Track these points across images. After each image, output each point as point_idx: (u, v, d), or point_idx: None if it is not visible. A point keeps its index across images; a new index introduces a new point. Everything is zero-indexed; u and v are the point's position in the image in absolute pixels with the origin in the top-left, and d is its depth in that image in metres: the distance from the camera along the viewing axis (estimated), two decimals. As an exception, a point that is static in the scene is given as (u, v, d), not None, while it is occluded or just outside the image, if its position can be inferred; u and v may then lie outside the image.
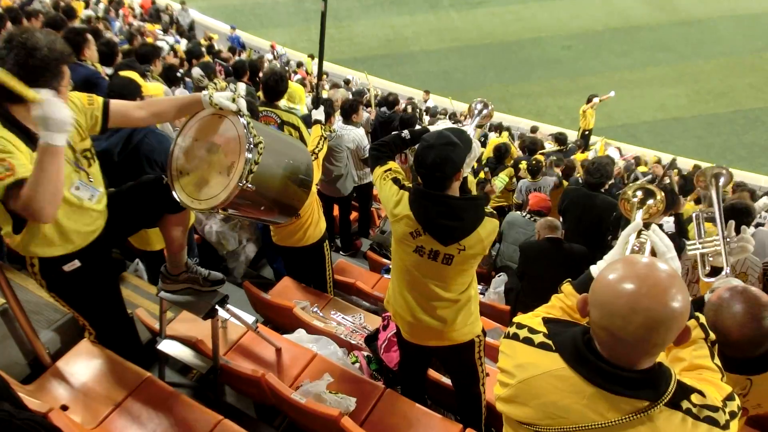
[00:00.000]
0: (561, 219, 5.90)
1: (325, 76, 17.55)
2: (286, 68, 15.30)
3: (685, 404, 1.42)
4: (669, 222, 5.43)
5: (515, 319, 1.75)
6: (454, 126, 2.90)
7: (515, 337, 1.67)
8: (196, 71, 7.77)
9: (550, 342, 1.57)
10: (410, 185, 2.78)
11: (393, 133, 3.15)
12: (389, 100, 9.33)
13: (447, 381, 3.56)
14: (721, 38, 23.11)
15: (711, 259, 2.75)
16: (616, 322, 1.36)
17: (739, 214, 3.96)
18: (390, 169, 2.90)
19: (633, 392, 1.41)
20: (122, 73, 4.22)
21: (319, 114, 4.41)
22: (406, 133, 3.12)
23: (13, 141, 2.23)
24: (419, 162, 2.61)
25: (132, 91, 3.86)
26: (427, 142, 2.61)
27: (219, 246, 5.16)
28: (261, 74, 7.93)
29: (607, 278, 1.41)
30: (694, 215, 2.95)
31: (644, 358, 1.41)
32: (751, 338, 2.23)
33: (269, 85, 4.91)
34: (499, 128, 15.44)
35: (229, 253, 5.23)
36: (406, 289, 2.93)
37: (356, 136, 6.38)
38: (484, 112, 3.57)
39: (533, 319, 1.71)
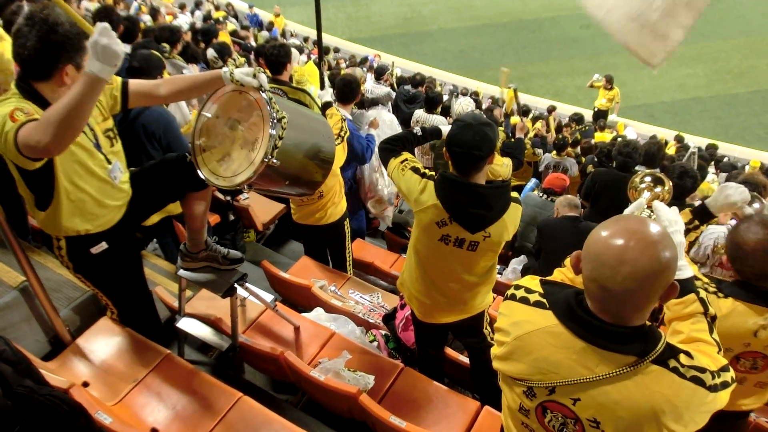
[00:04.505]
0: (588, 202, 5.87)
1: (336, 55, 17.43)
2: (304, 46, 15.20)
3: (672, 363, 1.46)
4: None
5: (515, 282, 1.80)
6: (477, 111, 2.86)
7: (512, 297, 1.72)
8: (210, 52, 7.72)
9: (544, 300, 1.63)
10: (433, 173, 2.74)
11: (404, 130, 3.11)
12: (416, 80, 10.15)
13: (464, 359, 3.56)
14: (741, 17, 22.57)
15: None
16: (605, 272, 1.40)
17: None
18: (406, 160, 2.86)
19: (621, 347, 1.46)
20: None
21: (327, 95, 4.33)
22: (417, 129, 3.12)
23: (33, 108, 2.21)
24: (455, 141, 2.55)
25: (154, 65, 3.87)
26: (464, 122, 2.57)
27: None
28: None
29: (599, 233, 1.46)
30: None
31: (633, 314, 1.45)
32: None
33: (271, 58, 4.67)
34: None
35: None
36: (426, 273, 2.91)
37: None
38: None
39: (531, 280, 1.76)
